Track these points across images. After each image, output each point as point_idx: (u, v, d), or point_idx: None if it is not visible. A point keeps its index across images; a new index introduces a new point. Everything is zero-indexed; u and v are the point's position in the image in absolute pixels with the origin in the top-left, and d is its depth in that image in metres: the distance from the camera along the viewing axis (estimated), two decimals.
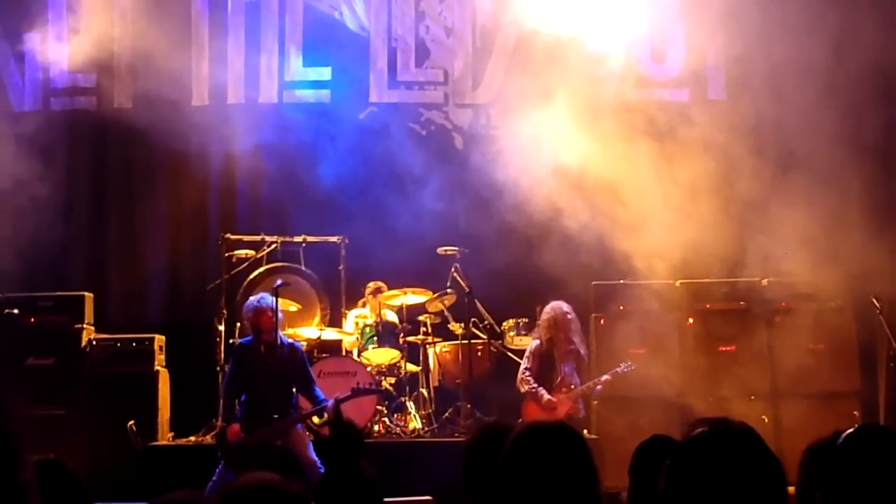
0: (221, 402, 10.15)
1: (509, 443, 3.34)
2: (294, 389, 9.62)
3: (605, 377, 10.43)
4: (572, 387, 10.34)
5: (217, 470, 9.29)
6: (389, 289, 11.80)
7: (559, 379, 10.36)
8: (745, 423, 2.86)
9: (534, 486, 3.24)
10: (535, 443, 3.31)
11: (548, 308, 10.59)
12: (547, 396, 10.24)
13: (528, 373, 10.42)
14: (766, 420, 10.94)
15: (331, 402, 9.53)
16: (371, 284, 11.90)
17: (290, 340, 9.94)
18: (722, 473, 2.73)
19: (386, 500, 8.23)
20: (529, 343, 10.80)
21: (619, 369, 10.42)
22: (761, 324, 11.32)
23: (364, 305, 11.99)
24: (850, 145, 11.33)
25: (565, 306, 10.53)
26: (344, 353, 11.64)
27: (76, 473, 3.95)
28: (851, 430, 3.18)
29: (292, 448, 9.34)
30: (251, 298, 9.95)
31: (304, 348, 10.58)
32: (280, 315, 9.77)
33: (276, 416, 9.27)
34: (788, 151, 11.49)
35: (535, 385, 10.33)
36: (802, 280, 11.19)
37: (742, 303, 11.39)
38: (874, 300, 10.72)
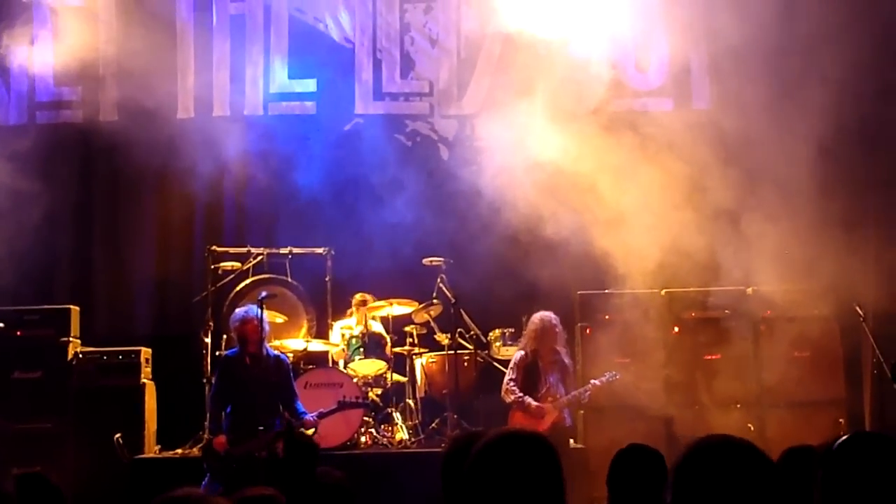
0: (208, 414, 10.14)
1: (478, 449, 3.34)
2: (276, 401, 9.64)
3: (589, 387, 10.41)
4: (558, 397, 10.32)
5: (203, 482, 9.29)
6: (376, 300, 11.83)
7: (544, 389, 10.30)
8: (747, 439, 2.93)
9: (499, 493, 3.22)
10: (504, 451, 3.30)
11: (534, 318, 10.53)
12: (535, 403, 10.19)
13: (512, 383, 10.36)
14: (752, 428, 10.96)
15: (314, 416, 9.58)
16: (357, 296, 11.93)
17: (275, 352, 9.95)
18: (724, 487, 2.81)
19: None
20: (515, 354, 10.76)
21: (603, 379, 10.40)
22: (746, 332, 11.35)
23: (350, 316, 12.01)
24: (831, 155, 11.36)
25: (552, 318, 10.47)
26: (331, 363, 11.65)
27: (58, 486, 3.97)
28: (846, 435, 3.22)
29: (276, 460, 9.34)
30: (238, 310, 9.97)
31: (290, 360, 10.60)
32: (267, 327, 9.79)
33: (261, 427, 9.27)
34: (771, 162, 11.49)
35: (521, 395, 10.29)
36: (787, 289, 11.25)
37: (727, 311, 11.40)
38: (857, 308, 10.78)
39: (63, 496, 3.96)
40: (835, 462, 3.15)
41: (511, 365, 10.56)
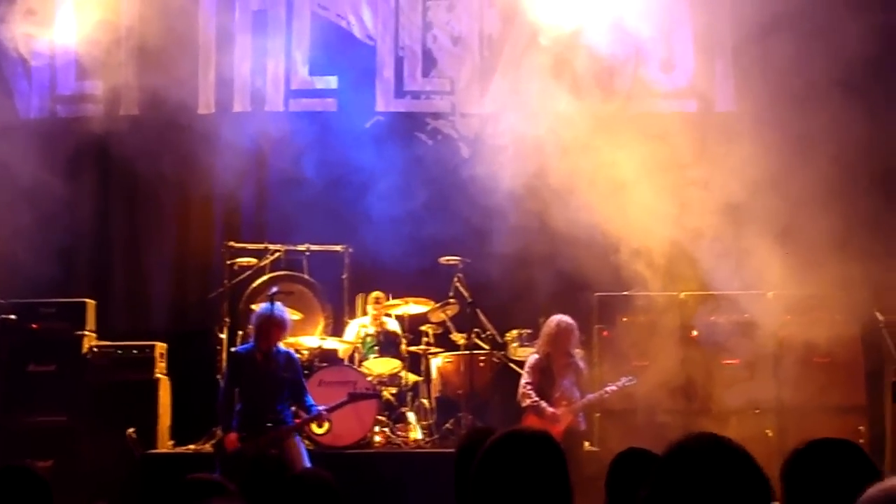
0: (218, 411, 10.08)
1: (485, 447, 3.32)
2: (286, 398, 9.61)
3: (605, 392, 10.31)
4: (573, 400, 10.20)
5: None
6: (388, 299, 11.77)
7: (559, 393, 10.20)
8: (732, 439, 2.83)
9: (506, 492, 3.20)
10: (511, 450, 3.29)
11: (550, 321, 10.42)
12: (550, 410, 10.09)
13: (529, 387, 10.24)
14: (771, 434, 10.86)
15: (325, 409, 9.56)
16: (372, 294, 11.88)
17: (286, 349, 9.89)
18: (706, 488, 2.69)
19: None
20: (529, 357, 10.63)
21: (619, 384, 10.29)
22: (766, 337, 11.19)
23: (366, 314, 11.95)
24: (854, 160, 11.22)
25: (569, 321, 10.36)
26: (346, 362, 11.59)
27: (45, 480, 3.90)
28: (802, 445, 3.15)
29: (287, 457, 9.30)
30: (264, 305, 9.86)
31: (305, 357, 10.56)
32: (288, 323, 9.75)
33: (269, 424, 9.22)
34: (794, 166, 11.34)
35: (537, 399, 10.18)
36: (807, 294, 11.10)
37: (746, 316, 11.25)
38: (878, 314, 10.63)
39: (49, 490, 3.88)
40: (797, 469, 3.09)
41: (526, 368, 10.46)
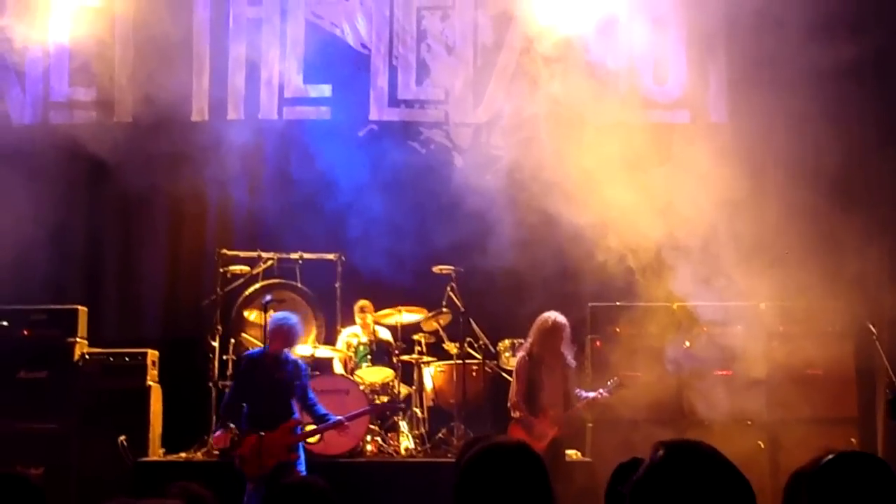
0: (223, 412, 9.99)
1: (467, 460, 3.32)
2: (293, 403, 9.61)
3: (597, 394, 10.13)
4: (560, 406, 9.98)
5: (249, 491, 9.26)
6: (383, 307, 11.77)
7: (547, 399, 9.86)
8: (710, 445, 2.84)
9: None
10: (490, 463, 3.29)
11: (543, 317, 10.05)
12: (539, 427, 9.73)
13: (518, 396, 9.89)
14: (763, 445, 10.88)
15: (342, 418, 9.60)
16: (358, 302, 11.89)
17: (294, 357, 9.83)
18: (686, 495, 2.70)
19: None
20: (517, 359, 10.27)
21: (604, 392, 10.03)
22: (758, 349, 11.20)
23: (355, 324, 11.95)
24: (847, 171, 11.25)
25: (560, 318, 9.98)
26: (335, 371, 11.59)
27: (41, 488, 3.88)
28: (832, 455, 3.13)
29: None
30: (284, 313, 9.92)
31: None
32: (300, 331, 9.89)
33: (262, 433, 9.20)
34: (786, 177, 11.37)
35: (526, 414, 9.80)
36: (800, 305, 11.12)
37: (739, 327, 11.26)
38: (870, 326, 10.62)
39: (44, 498, 3.86)
40: (821, 483, 3.07)
41: (515, 372, 10.13)
